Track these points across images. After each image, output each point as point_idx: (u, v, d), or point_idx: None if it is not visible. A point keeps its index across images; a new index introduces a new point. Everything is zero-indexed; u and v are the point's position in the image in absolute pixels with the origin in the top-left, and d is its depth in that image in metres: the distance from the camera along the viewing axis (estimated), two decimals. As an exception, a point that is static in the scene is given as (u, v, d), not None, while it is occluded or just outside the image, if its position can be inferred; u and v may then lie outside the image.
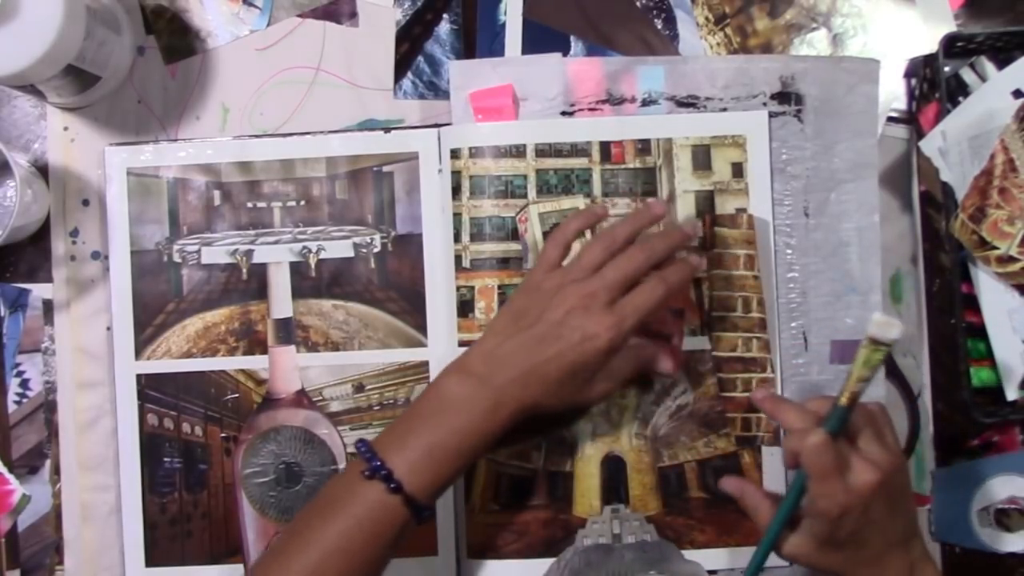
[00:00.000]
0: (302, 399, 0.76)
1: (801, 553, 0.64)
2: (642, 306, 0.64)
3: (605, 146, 0.75)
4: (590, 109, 0.75)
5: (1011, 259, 0.70)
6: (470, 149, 0.75)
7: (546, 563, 0.73)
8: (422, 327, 0.76)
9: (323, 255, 0.77)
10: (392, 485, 0.60)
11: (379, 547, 0.61)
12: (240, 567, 0.76)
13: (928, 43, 0.77)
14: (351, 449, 0.76)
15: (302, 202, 0.77)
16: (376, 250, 0.77)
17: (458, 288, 0.75)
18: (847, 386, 0.60)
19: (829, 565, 0.63)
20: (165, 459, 0.76)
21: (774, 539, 0.64)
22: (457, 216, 0.75)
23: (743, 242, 0.73)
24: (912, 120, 0.77)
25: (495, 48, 0.78)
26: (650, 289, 0.64)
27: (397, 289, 0.76)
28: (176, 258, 0.77)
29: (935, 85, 0.74)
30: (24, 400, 0.78)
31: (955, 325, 0.72)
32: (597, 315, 0.63)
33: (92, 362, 0.77)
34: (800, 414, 0.63)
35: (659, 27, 0.78)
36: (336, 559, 0.60)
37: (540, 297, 0.65)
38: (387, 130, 0.77)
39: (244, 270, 0.77)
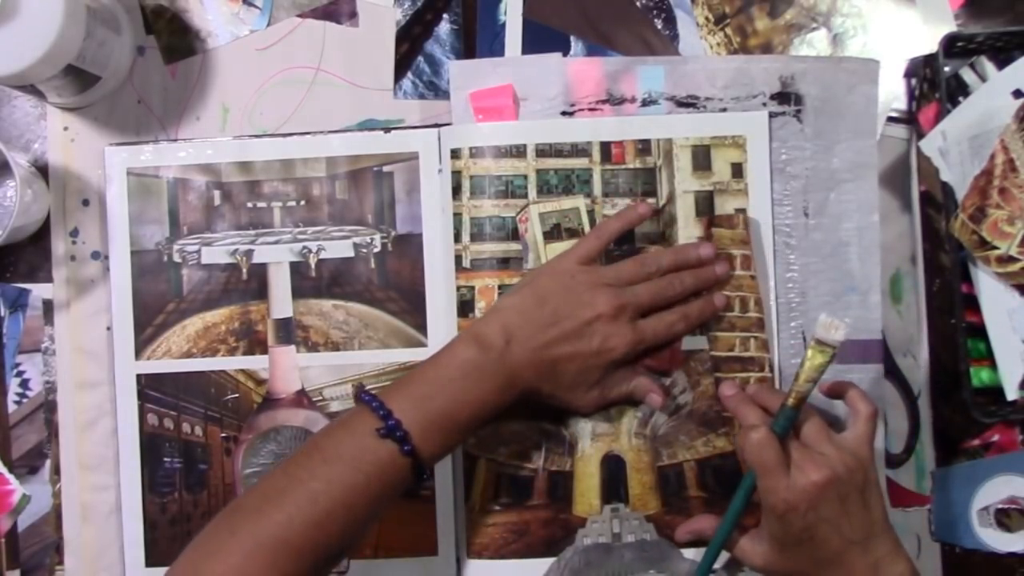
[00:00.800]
0: (302, 399, 0.76)
1: (758, 554, 0.65)
2: (661, 335, 0.68)
3: (605, 146, 0.75)
4: (590, 109, 0.75)
5: (1011, 259, 0.70)
6: (470, 149, 0.75)
7: (546, 563, 0.73)
8: (422, 327, 0.76)
9: (323, 255, 0.77)
10: (407, 448, 0.60)
11: (380, 504, 0.61)
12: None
13: (928, 43, 0.77)
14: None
15: (302, 202, 0.77)
16: (376, 250, 0.77)
17: (458, 288, 0.75)
18: (794, 387, 0.63)
19: (787, 568, 0.64)
20: (165, 459, 0.76)
21: (725, 537, 0.66)
22: (457, 216, 0.75)
23: (739, 242, 0.73)
24: (912, 120, 0.77)
25: (495, 48, 0.78)
26: (672, 323, 0.69)
27: (397, 289, 0.76)
28: (176, 258, 0.77)
29: (935, 85, 0.74)
30: (24, 400, 0.78)
31: (955, 325, 0.72)
32: (622, 328, 0.66)
33: (92, 362, 0.77)
34: (755, 412, 0.65)
35: (659, 27, 0.78)
36: (341, 513, 0.59)
37: (571, 289, 0.66)
38: (387, 130, 0.77)
39: (244, 270, 0.77)
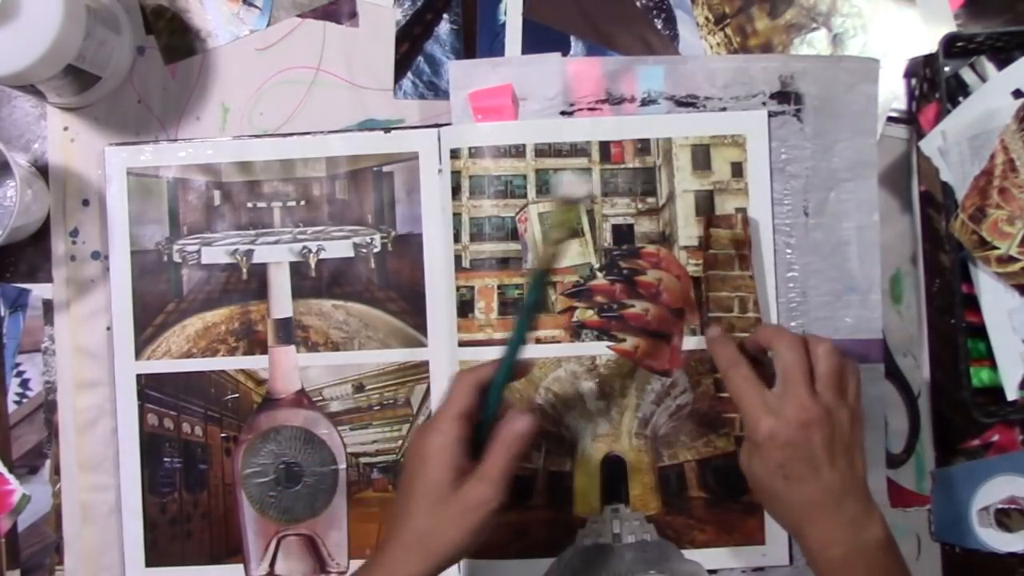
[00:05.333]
0: (302, 399, 0.76)
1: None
2: None
3: (604, 146, 0.75)
4: (590, 109, 0.75)
5: (1011, 259, 0.70)
6: (470, 149, 0.75)
7: (546, 563, 0.73)
8: (422, 327, 0.76)
9: (323, 255, 0.77)
10: None
11: None
12: (240, 567, 0.76)
13: (928, 43, 0.77)
14: (351, 449, 0.76)
15: (302, 202, 0.77)
16: (376, 250, 0.77)
17: (458, 288, 0.75)
18: (542, 251, 0.60)
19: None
20: (165, 459, 0.76)
21: (517, 345, 0.62)
22: (457, 216, 0.75)
23: (738, 242, 0.73)
24: (912, 120, 0.77)
25: (495, 48, 0.78)
26: None
27: (397, 289, 0.76)
28: (176, 258, 0.77)
29: (935, 85, 0.74)
30: (24, 400, 0.78)
31: (955, 325, 0.72)
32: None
33: (92, 362, 0.77)
34: (735, 351, 0.66)
35: (659, 27, 0.78)
36: None
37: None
38: (387, 130, 0.77)
39: (244, 270, 0.77)
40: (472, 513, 0.59)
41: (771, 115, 0.75)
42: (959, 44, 0.74)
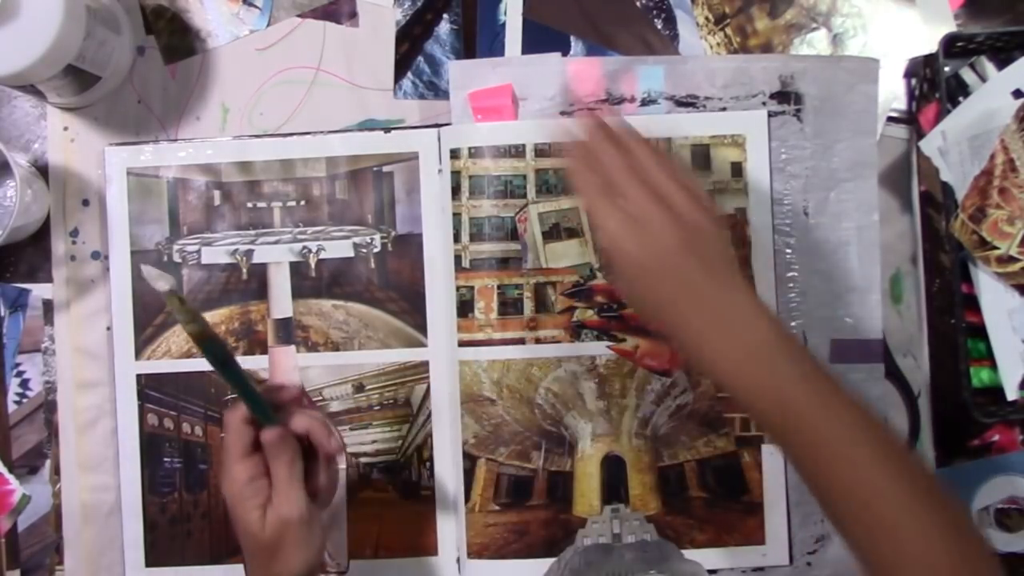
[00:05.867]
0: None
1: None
2: None
3: (605, 146, 0.75)
4: (590, 109, 0.75)
5: (1011, 259, 0.70)
6: (470, 149, 0.75)
7: (546, 563, 0.73)
8: (422, 327, 0.76)
9: (323, 255, 0.77)
10: None
11: None
12: (240, 567, 0.76)
13: (928, 43, 0.77)
14: (351, 449, 0.76)
15: (302, 202, 0.77)
16: (376, 250, 0.77)
17: (458, 288, 0.75)
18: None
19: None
20: (165, 459, 0.76)
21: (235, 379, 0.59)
22: (457, 216, 0.75)
23: (738, 242, 0.73)
24: (912, 120, 0.77)
25: (495, 48, 0.78)
26: None
27: (397, 289, 0.76)
28: (176, 258, 0.77)
29: (935, 85, 0.74)
30: (24, 400, 0.78)
31: (955, 325, 0.72)
32: None
33: (92, 362, 0.77)
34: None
35: (659, 27, 0.78)
36: None
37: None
38: (387, 130, 0.77)
39: (244, 270, 0.77)
40: (290, 535, 0.58)
41: (771, 115, 0.75)
42: (959, 44, 0.74)
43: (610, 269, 0.57)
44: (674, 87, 0.75)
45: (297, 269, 0.77)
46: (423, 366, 0.76)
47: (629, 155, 0.58)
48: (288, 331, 0.76)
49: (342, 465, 0.76)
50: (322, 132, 0.77)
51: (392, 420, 0.76)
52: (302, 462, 0.60)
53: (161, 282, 0.54)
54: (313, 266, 0.77)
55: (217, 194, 0.77)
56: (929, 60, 0.75)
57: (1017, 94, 0.72)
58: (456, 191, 0.75)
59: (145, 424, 0.76)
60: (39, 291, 0.78)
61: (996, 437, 0.77)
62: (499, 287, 0.75)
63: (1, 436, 0.77)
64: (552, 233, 0.75)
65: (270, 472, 0.59)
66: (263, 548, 0.58)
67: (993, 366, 0.74)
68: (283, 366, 0.76)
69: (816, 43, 0.78)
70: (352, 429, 0.76)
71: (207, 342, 0.57)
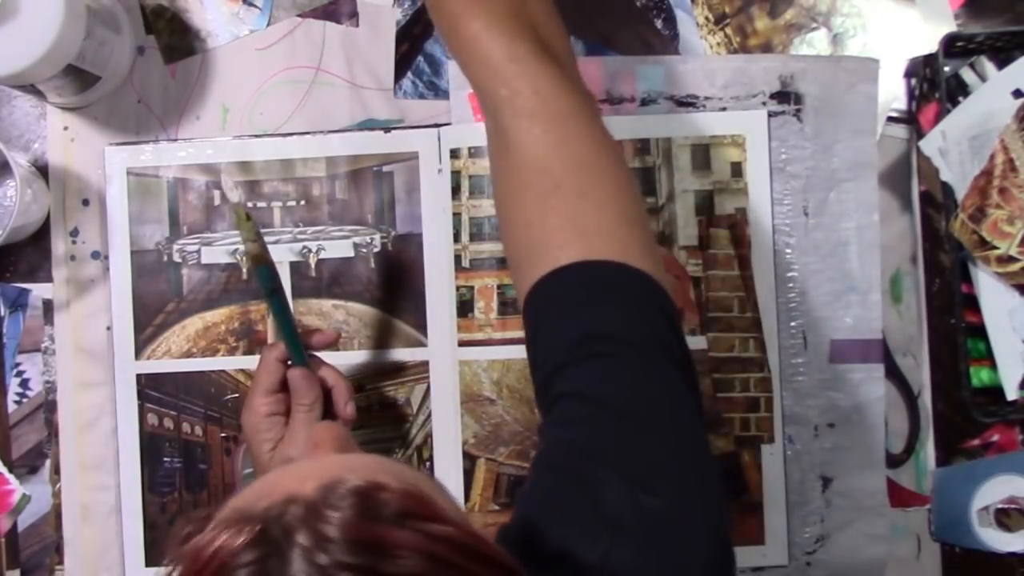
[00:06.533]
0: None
1: None
2: None
3: (605, 146, 0.75)
4: (590, 109, 0.75)
5: (1011, 259, 0.70)
6: (470, 149, 0.75)
7: (546, 563, 0.73)
8: (422, 327, 0.76)
9: (323, 255, 0.77)
10: None
11: None
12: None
13: (928, 43, 0.77)
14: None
15: (302, 202, 0.77)
16: (376, 250, 0.77)
17: (458, 288, 0.75)
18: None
19: None
20: (165, 459, 0.76)
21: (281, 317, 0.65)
22: (457, 216, 0.75)
23: (737, 242, 0.73)
24: (912, 120, 0.77)
25: (495, 48, 0.78)
26: None
27: (397, 289, 0.76)
28: (176, 258, 0.77)
29: (935, 85, 0.74)
30: (24, 400, 0.78)
31: (955, 325, 0.72)
32: None
33: (92, 362, 0.77)
34: None
35: (659, 27, 0.78)
36: None
37: None
38: (387, 130, 0.77)
39: (244, 270, 0.77)
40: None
41: (771, 115, 0.75)
42: (959, 44, 0.74)
43: None
44: (674, 87, 0.75)
45: (297, 269, 0.77)
46: (423, 366, 0.76)
47: None
48: (288, 331, 0.76)
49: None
50: (322, 132, 0.77)
51: (392, 420, 0.76)
52: (321, 409, 0.64)
53: (232, 193, 0.57)
54: (313, 266, 0.77)
55: (217, 194, 0.77)
56: (929, 60, 0.75)
57: (1017, 94, 0.72)
58: (456, 191, 0.75)
59: (145, 424, 0.76)
60: (39, 291, 0.78)
61: (996, 437, 0.77)
62: (499, 287, 0.75)
63: (1, 436, 0.77)
64: (552, 233, 0.75)
65: (289, 413, 0.63)
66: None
67: (993, 366, 0.74)
68: (283, 366, 0.76)
69: (816, 43, 0.78)
70: (352, 429, 0.76)
71: (263, 266, 0.62)
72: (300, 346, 0.65)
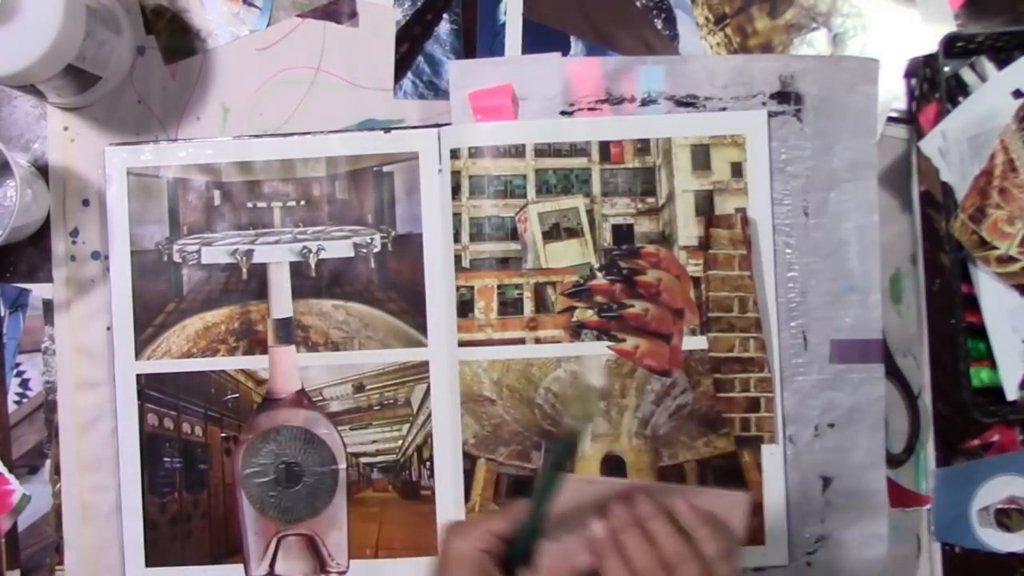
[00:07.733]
0: (302, 399, 0.76)
1: None
2: None
3: (604, 146, 0.75)
4: (589, 109, 0.75)
5: (1011, 259, 0.70)
6: (470, 149, 0.75)
7: (546, 563, 0.73)
8: (422, 327, 0.76)
9: (323, 255, 0.77)
10: None
11: None
12: (240, 567, 0.76)
13: (928, 43, 0.77)
14: (351, 449, 0.76)
15: (302, 202, 0.77)
16: (376, 250, 0.77)
17: (458, 288, 0.75)
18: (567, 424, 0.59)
19: None
20: (165, 459, 0.76)
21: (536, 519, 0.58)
22: (457, 216, 0.75)
23: (737, 242, 0.73)
24: (912, 120, 0.77)
25: (495, 48, 0.78)
26: None
27: (397, 289, 0.76)
28: (176, 258, 0.77)
29: (935, 85, 0.74)
30: (24, 400, 0.78)
31: (955, 325, 0.72)
32: None
33: (92, 362, 0.77)
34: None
35: (659, 27, 0.78)
36: None
37: None
38: (387, 130, 0.77)
39: (244, 270, 0.77)
40: None
41: (771, 115, 0.75)
42: (959, 44, 0.74)
43: None
44: (674, 87, 0.75)
45: (297, 269, 0.77)
46: (423, 366, 0.76)
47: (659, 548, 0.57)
48: (288, 331, 0.76)
49: (342, 465, 0.76)
50: (322, 132, 0.77)
51: (392, 420, 0.76)
52: None
53: (594, 377, 0.56)
54: (313, 266, 0.77)
55: (217, 194, 0.77)
56: (929, 60, 0.75)
57: (1017, 94, 0.72)
58: (456, 191, 0.75)
59: (145, 424, 0.76)
60: (39, 291, 0.78)
61: (996, 437, 0.77)
62: (499, 287, 0.75)
63: (1, 436, 0.77)
64: (552, 233, 0.75)
65: None
66: None
67: (993, 366, 0.74)
68: (283, 366, 0.76)
69: (816, 43, 0.78)
70: (352, 429, 0.76)
71: (571, 443, 0.57)
72: (534, 541, 0.57)
